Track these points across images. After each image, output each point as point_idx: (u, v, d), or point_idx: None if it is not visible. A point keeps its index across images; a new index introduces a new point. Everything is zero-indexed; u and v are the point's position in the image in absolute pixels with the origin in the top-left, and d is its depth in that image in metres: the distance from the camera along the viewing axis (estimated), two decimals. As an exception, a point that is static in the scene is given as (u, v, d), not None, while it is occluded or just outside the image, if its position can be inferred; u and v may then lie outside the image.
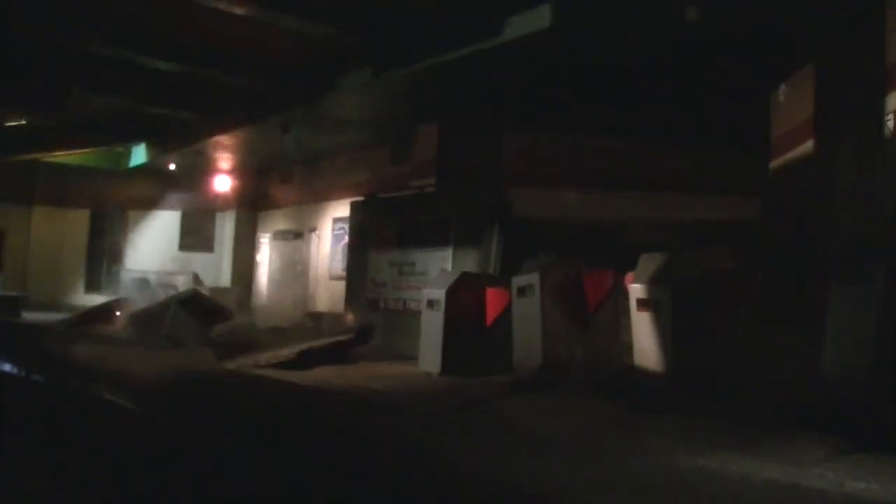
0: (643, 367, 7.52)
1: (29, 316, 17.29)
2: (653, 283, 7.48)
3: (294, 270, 18.89)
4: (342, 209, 16.37)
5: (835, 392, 5.54)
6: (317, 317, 15.46)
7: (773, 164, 9.98)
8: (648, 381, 7.34)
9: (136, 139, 18.97)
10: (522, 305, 8.75)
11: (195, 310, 12.56)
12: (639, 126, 12.50)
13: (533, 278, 8.58)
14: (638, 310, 7.66)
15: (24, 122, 17.70)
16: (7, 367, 9.16)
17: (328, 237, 17.83)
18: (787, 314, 7.16)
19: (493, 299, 9.48)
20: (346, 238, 16.26)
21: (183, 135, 17.17)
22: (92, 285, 21.46)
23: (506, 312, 9.18)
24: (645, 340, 7.54)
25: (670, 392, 6.89)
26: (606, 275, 8.59)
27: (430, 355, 9.65)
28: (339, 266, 16.76)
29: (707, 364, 6.81)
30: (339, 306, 15.37)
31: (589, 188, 12.95)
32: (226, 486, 4.59)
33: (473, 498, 4.37)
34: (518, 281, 8.89)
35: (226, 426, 6.39)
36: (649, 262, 7.76)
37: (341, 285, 15.55)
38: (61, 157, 19.64)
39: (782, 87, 9.89)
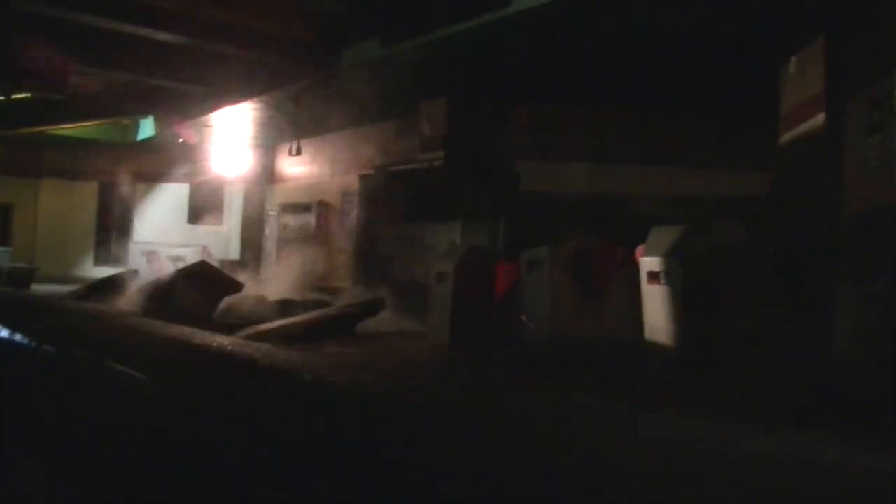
0: (653, 342, 7.50)
1: (38, 288, 17.34)
2: (663, 255, 7.43)
3: (303, 244, 18.88)
4: (351, 182, 16.34)
5: (843, 377, 5.52)
6: (326, 290, 15.47)
7: (784, 138, 9.89)
8: (656, 360, 7.32)
9: (143, 112, 18.92)
10: (532, 280, 8.71)
11: (203, 282, 12.55)
12: (648, 99, 12.41)
13: (543, 252, 8.54)
14: (648, 283, 7.62)
15: (30, 96, 17.66)
16: (16, 337, 9.18)
17: (337, 211, 17.80)
18: (794, 291, 7.13)
19: (503, 273, 9.44)
20: (356, 211, 16.24)
21: (190, 108, 17.11)
22: (101, 258, 21.52)
23: (515, 287, 9.14)
24: (655, 315, 7.50)
25: (678, 370, 6.87)
26: (617, 249, 8.53)
27: (438, 329, 9.64)
28: (349, 239, 16.76)
29: (716, 340, 6.78)
30: (349, 280, 15.39)
31: (598, 161, 12.88)
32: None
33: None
34: (528, 255, 8.85)
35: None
36: (660, 235, 7.70)
37: (351, 259, 15.56)
38: (69, 129, 19.61)
39: (793, 60, 9.77)
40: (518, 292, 8.97)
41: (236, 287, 13.22)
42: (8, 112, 17.90)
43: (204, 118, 17.50)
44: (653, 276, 7.55)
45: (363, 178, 14.89)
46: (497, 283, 9.49)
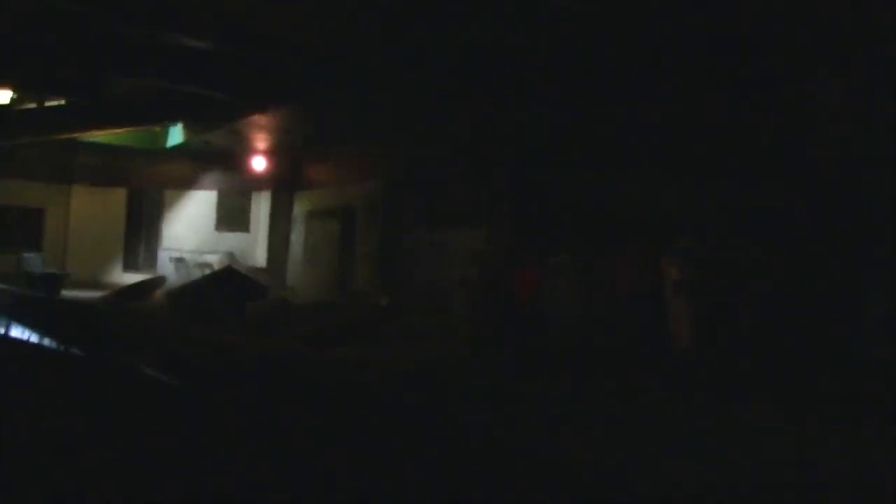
0: (678, 348, 7.50)
1: (68, 293, 17.61)
2: (684, 264, 7.45)
3: (329, 249, 19.01)
4: (377, 188, 16.44)
5: (869, 373, 5.49)
6: (351, 295, 15.57)
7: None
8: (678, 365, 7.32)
9: (173, 119, 19.17)
10: (554, 286, 8.75)
11: (230, 287, 12.71)
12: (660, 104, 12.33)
13: (565, 259, 8.57)
14: (673, 291, 7.63)
15: (63, 103, 17.97)
16: (47, 341, 9.35)
17: (361, 216, 17.90)
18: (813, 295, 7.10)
19: (525, 279, 9.48)
20: (381, 217, 16.32)
21: (218, 115, 17.31)
22: (130, 264, 21.77)
23: (537, 293, 9.18)
24: (678, 322, 7.51)
25: (695, 373, 6.87)
26: (639, 257, 8.54)
27: (461, 333, 9.69)
28: (373, 245, 16.84)
29: (734, 346, 6.78)
30: (373, 285, 15.47)
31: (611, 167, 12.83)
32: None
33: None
34: (551, 262, 8.88)
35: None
36: (681, 244, 7.72)
37: (375, 264, 15.65)
38: (100, 136, 19.90)
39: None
40: (539, 297, 9.00)
41: (261, 292, 13.38)
42: (40, 119, 18.22)
43: (232, 125, 17.69)
44: (676, 285, 7.57)
45: (387, 183, 14.96)
46: (519, 289, 9.52)
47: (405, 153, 16.33)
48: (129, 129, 19.63)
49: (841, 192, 8.12)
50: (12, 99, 17.66)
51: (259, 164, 20.72)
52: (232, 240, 21.30)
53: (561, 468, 4.54)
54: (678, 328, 7.55)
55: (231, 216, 21.80)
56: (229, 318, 12.01)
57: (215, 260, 19.39)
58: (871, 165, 7.69)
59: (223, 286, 12.73)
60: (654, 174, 12.83)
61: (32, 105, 18.15)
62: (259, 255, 21.15)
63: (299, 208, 20.94)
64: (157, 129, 20.39)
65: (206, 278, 13.13)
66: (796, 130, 9.85)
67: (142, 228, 22.17)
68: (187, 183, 21.89)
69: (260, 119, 17.04)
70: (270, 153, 20.71)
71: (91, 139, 20.05)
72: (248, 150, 20.41)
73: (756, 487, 4.22)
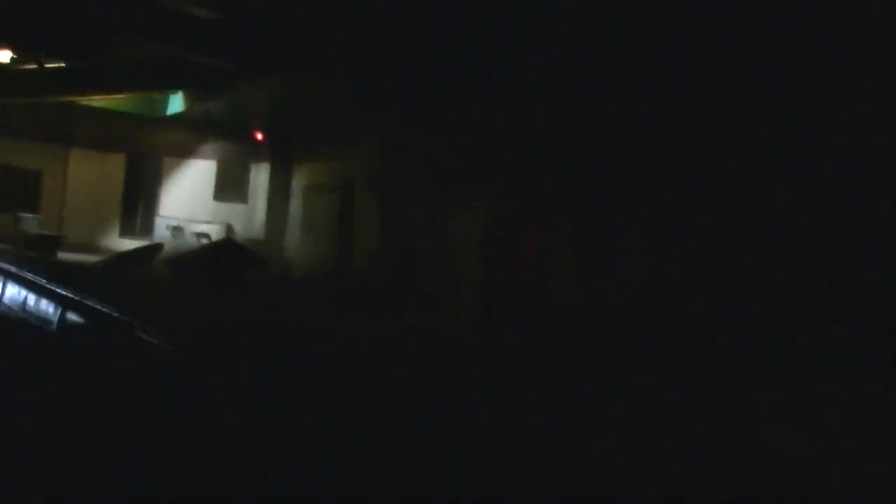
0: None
1: (64, 256, 17.54)
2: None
3: (328, 222, 18.93)
4: (377, 163, 16.35)
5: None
6: (350, 270, 15.54)
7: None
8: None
9: (174, 86, 19.06)
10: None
11: (227, 258, 12.67)
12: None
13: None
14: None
15: (63, 65, 17.83)
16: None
17: (361, 189, 17.82)
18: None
19: (528, 238, 9.45)
20: (382, 192, 16.25)
21: (220, 83, 17.21)
22: (126, 230, 21.66)
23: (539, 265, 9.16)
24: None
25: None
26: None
27: (464, 307, 9.68)
28: (374, 220, 16.78)
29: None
30: (372, 260, 15.43)
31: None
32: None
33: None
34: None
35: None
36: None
37: (375, 239, 15.59)
38: (99, 101, 19.77)
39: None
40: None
41: (259, 264, 13.34)
42: (40, 80, 18.08)
43: (232, 94, 17.59)
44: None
45: (389, 158, 14.89)
46: (526, 265, 9.51)
47: (405, 127, 16.25)
48: (129, 94, 19.51)
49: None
50: (12, 59, 17.50)
51: (259, 134, 20.59)
52: (230, 210, 21.19)
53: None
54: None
55: (230, 187, 21.67)
56: (224, 289, 11.99)
57: (213, 230, 19.30)
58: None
59: (221, 257, 12.69)
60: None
61: (32, 66, 18.00)
62: (257, 226, 21.06)
63: (298, 180, 20.83)
64: (157, 95, 20.26)
65: (204, 248, 13.08)
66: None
67: (140, 195, 22.05)
68: (186, 151, 21.74)
69: (261, 88, 16.95)
70: (270, 124, 20.59)
71: (90, 103, 19.92)
72: (248, 120, 20.28)
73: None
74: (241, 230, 20.38)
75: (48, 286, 10.13)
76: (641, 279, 8.59)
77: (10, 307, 10.45)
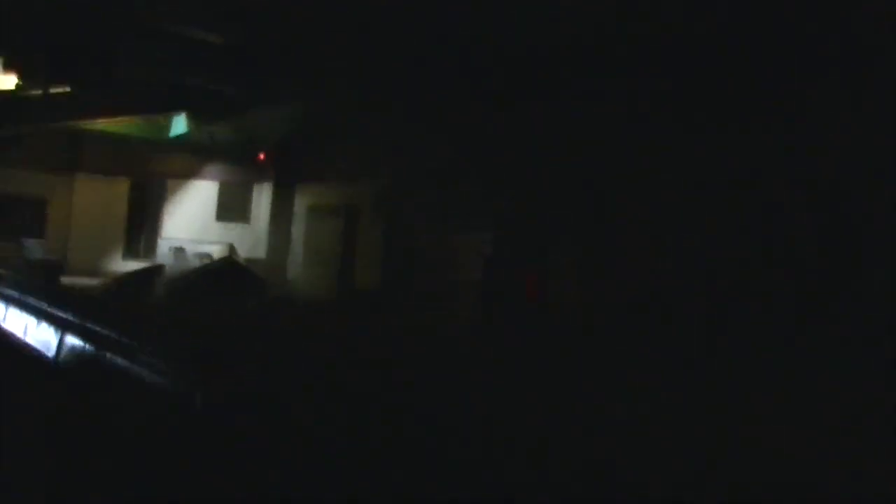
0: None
1: (68, 280, 17.61)
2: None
3: (330, 246, 18.97)
4: (380, 185, 16.40)
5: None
6: (351, 292, 15.54)
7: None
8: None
9: (177, 110, 19.16)
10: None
11: (229, 278, 12.69)
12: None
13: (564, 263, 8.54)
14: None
15: (68, 90, 17.93)
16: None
17: (365, 214, 17.86)
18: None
19: (533, 281, 9.47)
20: (385, 215, 16.28)
21: (223, 107, 17.30)
22: (130, 253, 21.72)
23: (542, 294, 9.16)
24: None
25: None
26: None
27: (464, 331, 9.66)
28: (377, 243, 16.80)
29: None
30: (374, 283, 15.44)
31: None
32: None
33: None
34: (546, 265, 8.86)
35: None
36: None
37: (377, 262, 15.61)
38: (104, 125, 19.87)
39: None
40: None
41: (260, 285, 13.37)
42: (45, 106, 18.19)
43: (236, 117, 17.68)
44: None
45: (393, 182, 14.92)
46: (528, 289, 9.51)
47: (411, 153, 16.29)
48: (133, 117, 19.61)
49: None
50: (17, 85, 17.62)
51: (262, 156, 20.69)
52: (232, 231, 21.28)
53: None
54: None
55: (232, 207, 21.77)
56: (227, 308, 12.01)
57: (215, 251, 19.35)
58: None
59: (221, 278, 12.71)
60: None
61: (38, 91, 18.11)
62: (259, 247, 21.12)
63: (301, 203, 20.89)
64: (161, 119, 20.35)
65: (204, 269, 13.11)
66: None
67: (143, 218, 22.13)
68: (190, 173, 21.85)
69: (264, 111, 17.03)
70: (274, 146, 20.69)
71: (95, 128, 20.01)
72: (252, 143, 20.38)
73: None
74: (243, 250, 20.44)
75: (48, 310, 10.16)
76: (641, 279, 8.59)
77: (10, 331, 10.48)
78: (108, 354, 8.20)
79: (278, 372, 7.35)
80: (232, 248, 20.16)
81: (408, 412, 5.70)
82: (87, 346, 8.88)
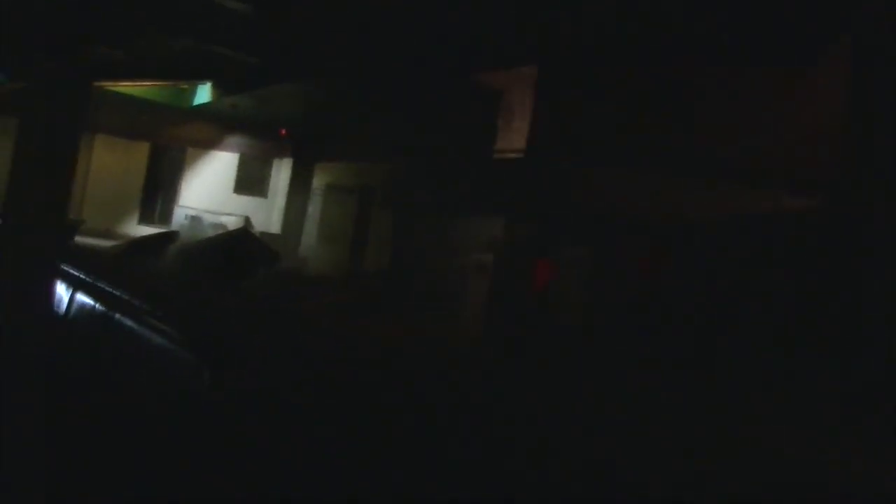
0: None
1: (82, 241, 17.62)
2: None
3: (344, 224, 18.95)
4: (397, 169, 16.35)
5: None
6: (361, 272, 15.51)
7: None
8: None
9: (202, 78, 19.13)
10: (569, 276, 8.65)
11: (243, 249, 12.65)
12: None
13: (582, 252, 8.48)
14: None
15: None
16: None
17: (379, 196, 17.83)
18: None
19: (542, 268, 9.39)
20: (399, 198, 16.23)
21: (248, 79, 17.25)
22: (146, 217, 21.79)
23: (553, 282, 9.09)
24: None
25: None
26: (659, 254, 8.44)
27: (473, 318, 9.61)
28: (388, 225, 16.77)
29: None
30: (384, 264, 15.40)
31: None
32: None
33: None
34: (566, 252, 8.79)
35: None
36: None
37: (388, 244, 15.58)
38: (127, 88, 19.87)
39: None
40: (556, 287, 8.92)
41: (274, 258, 13.32)
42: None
43: (260, 90, 17.62)
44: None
45: (406, 166, 14.86)
46: (536, 277, 9.44)
47: (425, 139, 16.21)
48: (157, 83, 19.60)
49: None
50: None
51: (283, 131, 20.67)
52: (249, 204, 21.31)
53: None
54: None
55: (250, 180, 21.78)
56: (238, 280, 11.97)
57: (231, 221, 19.37)
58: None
59: (235, 247, 12.67)
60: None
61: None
62: (275, 221, 21.13)
63: (319, 180, 20.88)
64: (185, 86, 20.34)
65: (219, 237, 13.09)
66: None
67: (161, 183, 22.18)
68: (210, 143, 21.86)
69: (288, 87, 16.96)
70: (295, 122, 20.65)
71: (117, 90, 20.01)
72: (274, 117, 20.35)
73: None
74: (258, 223, 20.44)
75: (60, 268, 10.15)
76: (642, 280, 8.51)
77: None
78: (117, 315, 8.19)
79: (287, 349, 7.33)
80: (248, 221, 20.17)
81: (409, 396, 5.67)
82: (98, 305, 8.88)
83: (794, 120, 10.13)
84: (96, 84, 19.11)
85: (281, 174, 21.67)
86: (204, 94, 19.91)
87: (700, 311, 7.79)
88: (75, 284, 9.40)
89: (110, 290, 9.06)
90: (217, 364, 6.33)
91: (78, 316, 8.81)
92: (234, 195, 21.60)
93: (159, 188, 22.19)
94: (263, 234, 18.44)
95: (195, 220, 19.74)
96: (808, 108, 9.95)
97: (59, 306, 9.27)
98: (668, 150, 12.19)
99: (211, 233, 17.33)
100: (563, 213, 12.14)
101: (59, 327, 8.00)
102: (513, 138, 13.32)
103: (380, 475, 4.15)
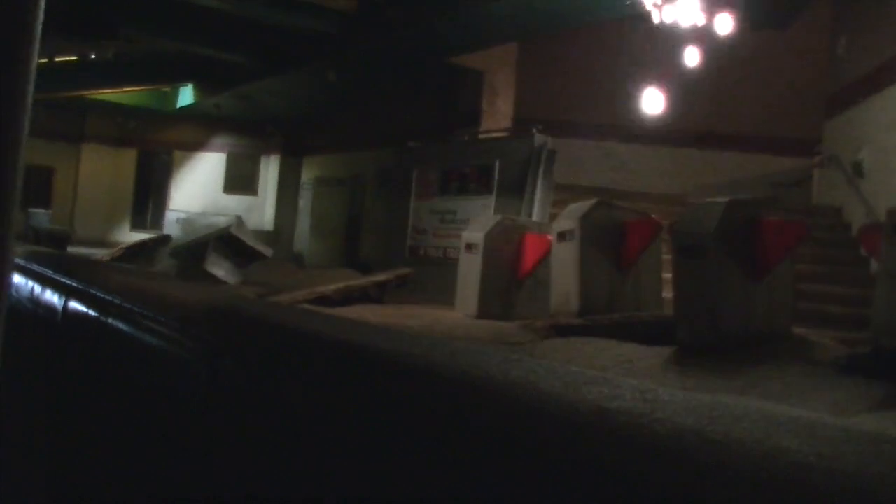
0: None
1: (74, 250, 17.55)
2: (697, 230, 7.24)
3: (337, 216, 18.90)
4: (387, 157, 16.27)
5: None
6: (356, 263, 15.47)
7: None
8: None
9: (184, 80, 19.02)
10: (562, 251, 8.57)
11: (233, 248, 12.60)
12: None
13: (573, 223, 8.38)
14: (680, 257, 7.43)
15: (74, 59, 17.78)
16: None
17: (371, 185, 17.77)
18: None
19: (534, 244, 9.29)
20: (390, 185, 16.15)
21: (230, 77, 17.15)
22: (137, 223, 21.73)
23: (546, 258, 9.00)
24: (685, 289, 7.32)
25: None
26: (650, 222, 8.36)
27: (466, 298, 9.53)
28: (382, 213, 16.70)
29: (747, 314, 6.59)
30: (380, 253, 15.35)
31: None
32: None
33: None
34: (558, 226, 8.70)
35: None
36: (696, 211, 7.51)
37: (382, 232, 15.52)
38: (110, 94, 19.76)
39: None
40: (549, 263, 8.85)
41: (265, 255, 13.29)
42: (51, 75, 18.06)
43: (242, 88, 17.53)
44: (684, 251, 7.35)
45: (397, 152, 14.79)
46: (528, 254, 9.36)
47: (416, 121, 16.15)
48: (140, 88, 19.48)
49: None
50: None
51: (270, 127, 20.58)
52: (240, 202, 21.23)
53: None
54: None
55: (239, 179, 21.70)
56: (232, 278, 11.94)
57: (222, 222, 19.29)
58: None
59: (226, 247, 12.63)
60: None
61: (43, 60, 17.97)
62: (267, 218, 21.07)
63: (308, 174, 20.80)
64: (167, 89, 20.23)
65: (209, 238, 13.03)
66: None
67: (150, 188, 22.12)
68: (196, 145, 21.78)
69: (271, 83, 16.87)
70: (280, 117, 20.55)
71: (101, 98, 19.91)
72: (258, 114, 20.25)
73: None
74: (250, 222, 20.36)
75: (53, 277, 10.08)
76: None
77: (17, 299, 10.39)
78: (111, 319, 8.14)
79: (283, 341, 7.22)
80: (239, 220, 20.09)
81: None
82: (91, 311, 8.84)
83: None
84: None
85: (270, 170, 21.60)
86: (187, 95, 19.82)
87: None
88: (68, 293, 9.34)
89: (102, 295, 9.00)
90: (214, 362, 6.31)
91: (72, 323, 8.74)
92: (225, 195, 21.52)
93: (149, 193, 22.12)
94: (257, 231, 18.37)
95: (186, 222, 19.66)
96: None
97: (53, 316, 9.20)
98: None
99: (203, 234, 17.26)
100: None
101: (55, 335, 7.92)
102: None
103: (380, 475, 4.10)
